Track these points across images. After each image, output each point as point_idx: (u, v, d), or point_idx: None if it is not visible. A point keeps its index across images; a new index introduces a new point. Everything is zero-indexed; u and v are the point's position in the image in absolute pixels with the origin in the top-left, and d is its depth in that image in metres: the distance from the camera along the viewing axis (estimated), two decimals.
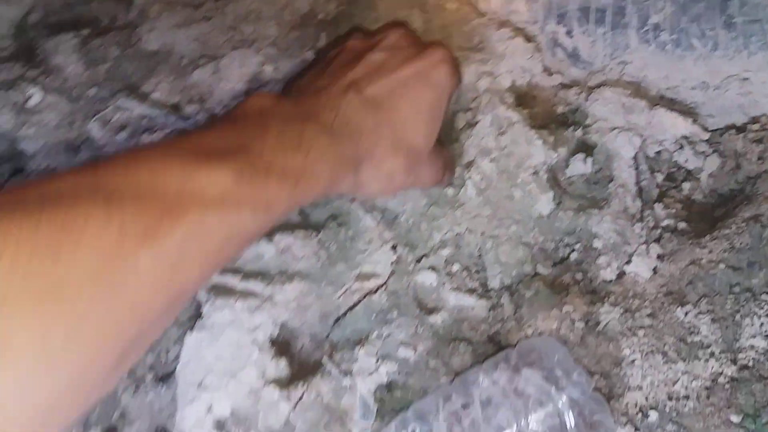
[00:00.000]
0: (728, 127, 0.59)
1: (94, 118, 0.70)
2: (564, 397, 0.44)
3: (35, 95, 0.74)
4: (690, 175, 0.59)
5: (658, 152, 0.59)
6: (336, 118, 0.43)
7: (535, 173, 0.57)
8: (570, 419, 0.44)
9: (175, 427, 0.56)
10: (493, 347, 0.54)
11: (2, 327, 0.26)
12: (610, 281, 0.54)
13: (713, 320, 0.49)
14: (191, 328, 0.56)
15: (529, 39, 0.64)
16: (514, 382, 0.45)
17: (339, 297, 0.58)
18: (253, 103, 0.42)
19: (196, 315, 0.58)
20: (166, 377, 0.59)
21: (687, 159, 0.58)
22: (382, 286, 0.58)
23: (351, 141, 0.44)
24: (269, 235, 0.59)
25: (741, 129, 0.58)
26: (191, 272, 0.34)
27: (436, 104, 0.50)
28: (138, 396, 0.60)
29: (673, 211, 0.56)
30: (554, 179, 0.58)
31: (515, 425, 0.43)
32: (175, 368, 0.57)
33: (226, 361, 0.54)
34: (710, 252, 0.52)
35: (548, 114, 0.63)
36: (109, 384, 0.34)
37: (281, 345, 0.56)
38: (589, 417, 0.45)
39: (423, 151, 0.50)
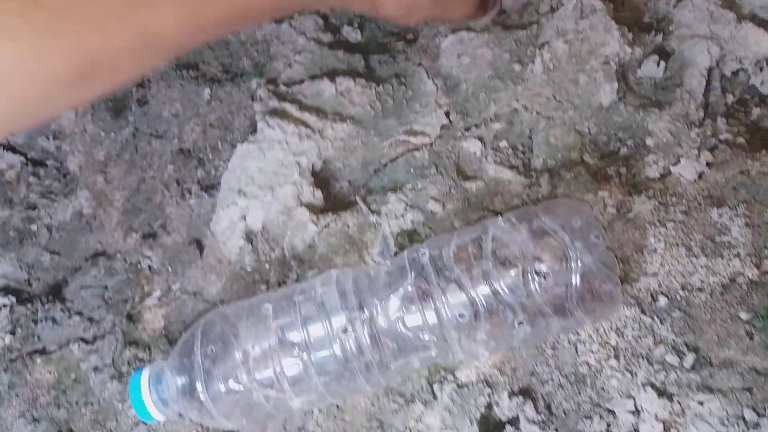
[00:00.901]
0: None
1: None
2: (577, 255, 0.44)
3: None
4: (763, 102, 0.57)
5: (735, 72, 0.57)
6: None
7: (606, 63, 0.56)
8: (576, 279, 0.44)
9: (209, 230, 0.59)
10: None
11: None
12: (653, 179, 0.53)
13: (747, 225, 0.48)
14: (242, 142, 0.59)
15: None
16: (530, 226, 0.45)
17: (384, 147, 0.59)
18: None
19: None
20: (210, 188, 0.63)
21: (763, 82, 0.56)
22: (427, 145, 0.59)
23: None
24: (332, 77, 0.61)
25: None
26: (163, 10, 0.34)
27: None
28: (181, 206, 0.64)
29: (735, 128, 0.55)
30: (623, 74, 0.57)
31: (522, 263, 0.44)
32: (221, 181, 0.61)
33: (268, 175, 0.56)
34: (762, 165, 0.50)
35: (634, 20, 0.62)
36: (68, 99, 0.35)
37: (321, 180, 0.59)
38: (598, 285, 0.44)
39: None
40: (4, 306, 0.61)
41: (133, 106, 0.70)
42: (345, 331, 0.44)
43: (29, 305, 0.62)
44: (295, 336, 0.45)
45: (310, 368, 0.44)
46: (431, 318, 0.44)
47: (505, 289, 0.43)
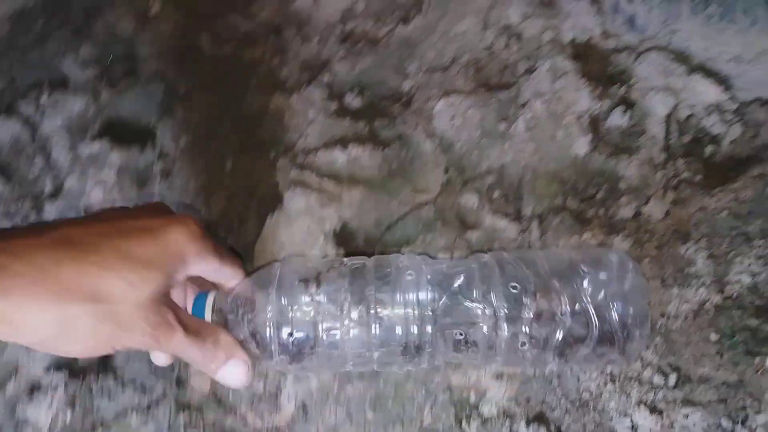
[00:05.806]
0: (755, 100, 0.66)
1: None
2: (611, 310, 0.50)
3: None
4: (713, 140, 0.66)
5: (689, 117, 0.67)
6: None
7: (579, 118, 0.65)
8: (594, 319, 0.50)
9: None
10: None
11: None
12: (627, 219, 0.62)
13: (709, 256, 0.57)
14: (271, 212, 0.67)
15: (594, 1, 0.72)
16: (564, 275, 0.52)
17: (394, 206, 0.67)
18: None
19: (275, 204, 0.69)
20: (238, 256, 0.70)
21: (713, 124, 0.65)
22: (431, 201, 0.67)
23: None
24: (343, 144, 0.69)
25: (767, 102, 0.66)
26: None
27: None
28: None
29: (693, 167, 0.64)
30: (594, 126, 0.66)
31: (525, 293, 0.51)
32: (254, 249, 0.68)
33: (297, 244, 0.64)
34: (717, 201, 0.60)
35: (599, 72, 0.71)
36: None
37: (341, 239, 0.67)
38: (625, 333, 0.50)
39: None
40: (59, 383, 0.64)
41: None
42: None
43: (82, 378, 0.64)
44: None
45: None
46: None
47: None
